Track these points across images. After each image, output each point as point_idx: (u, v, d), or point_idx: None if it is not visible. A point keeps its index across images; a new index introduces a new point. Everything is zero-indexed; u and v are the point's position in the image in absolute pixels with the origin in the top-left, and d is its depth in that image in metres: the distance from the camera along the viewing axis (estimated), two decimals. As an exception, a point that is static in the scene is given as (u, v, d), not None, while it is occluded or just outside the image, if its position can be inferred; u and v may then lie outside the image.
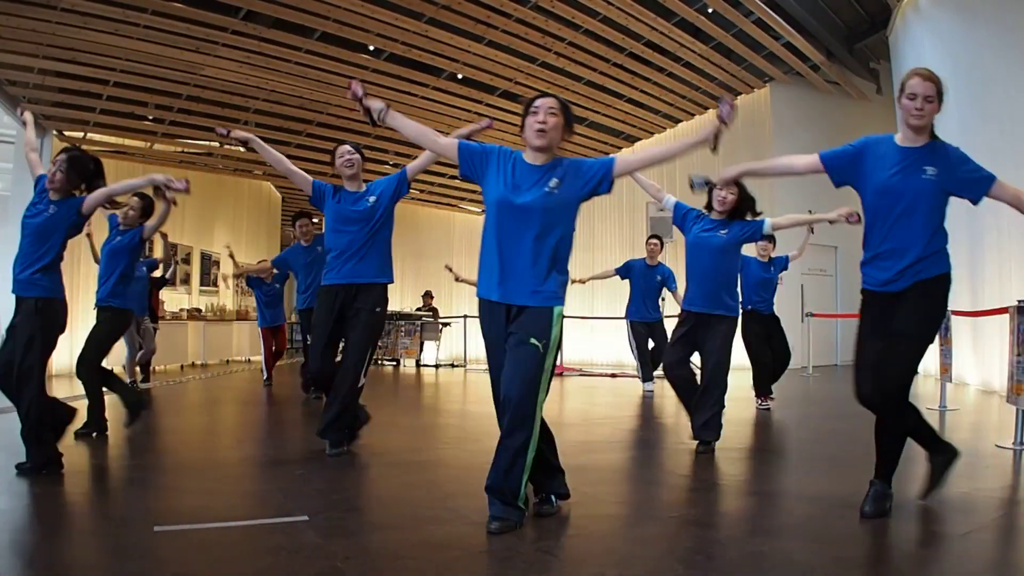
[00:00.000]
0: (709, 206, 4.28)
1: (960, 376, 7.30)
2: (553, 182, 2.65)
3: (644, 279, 7.42)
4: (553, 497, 2.79)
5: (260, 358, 8.48)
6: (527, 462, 2.58)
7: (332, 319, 4.00)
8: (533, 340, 2.58)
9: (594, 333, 12.94)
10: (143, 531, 2.55)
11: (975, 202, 2.71)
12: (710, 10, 9.05)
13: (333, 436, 3.97)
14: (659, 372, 9.88)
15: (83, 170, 3.67)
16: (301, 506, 2.86)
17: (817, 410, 6.50)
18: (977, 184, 2.67)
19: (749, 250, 5.12)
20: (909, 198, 2.65)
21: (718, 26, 9.35)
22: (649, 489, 3.34)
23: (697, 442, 4.11)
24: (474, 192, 15.37)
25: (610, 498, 3.23)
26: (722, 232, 4.15)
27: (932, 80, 2.67)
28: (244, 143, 4.03)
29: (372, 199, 4.01)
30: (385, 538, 2.50)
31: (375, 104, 2.83)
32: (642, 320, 7.49)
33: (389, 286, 4.13)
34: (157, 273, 7.81)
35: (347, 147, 4.13)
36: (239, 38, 8.71)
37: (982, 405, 6.29)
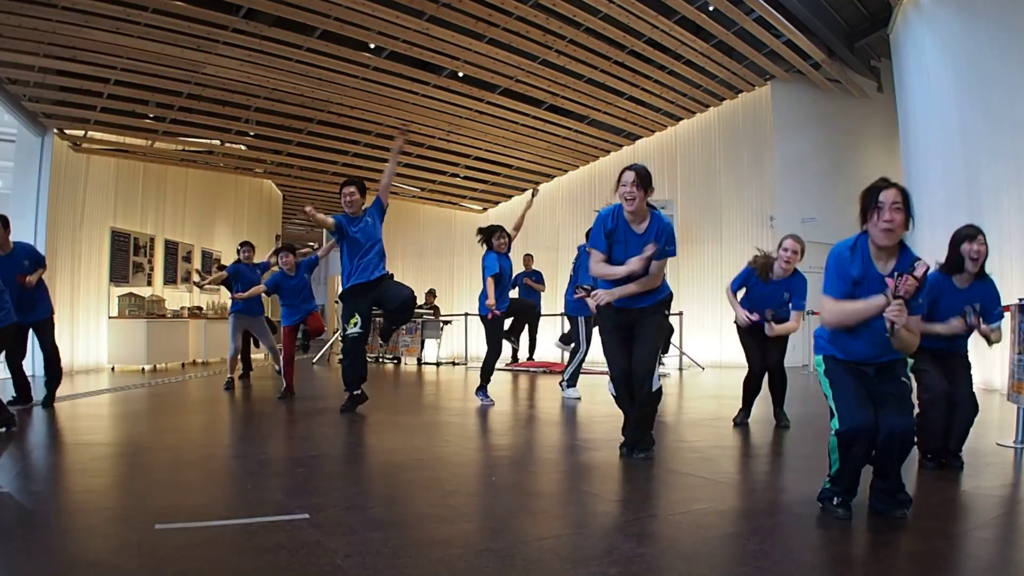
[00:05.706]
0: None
1: (961, 374, 7.28)
2: None
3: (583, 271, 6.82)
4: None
5: (261, 356, 8.18)
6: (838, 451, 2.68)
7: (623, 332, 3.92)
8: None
9: (594, 332, 12.94)
10: (144, 529, 2.56)
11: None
12: (711, 8, 9.05)
13: (641, 443, 3.86)
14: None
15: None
16: (302, 504, 2.86)
17: (817, 408, 6.48)
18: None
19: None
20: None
21: (719, 24, 9.35)
22: (650, 487, 3.34)
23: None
24: (475, 191, 15.36)
25: (611, 496, 3.23)
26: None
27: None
28: None
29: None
30: (386, 536, 2.50)
31: None
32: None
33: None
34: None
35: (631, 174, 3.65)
36: (240, 36, 8.71)
37: (983, 403, 6.24)
